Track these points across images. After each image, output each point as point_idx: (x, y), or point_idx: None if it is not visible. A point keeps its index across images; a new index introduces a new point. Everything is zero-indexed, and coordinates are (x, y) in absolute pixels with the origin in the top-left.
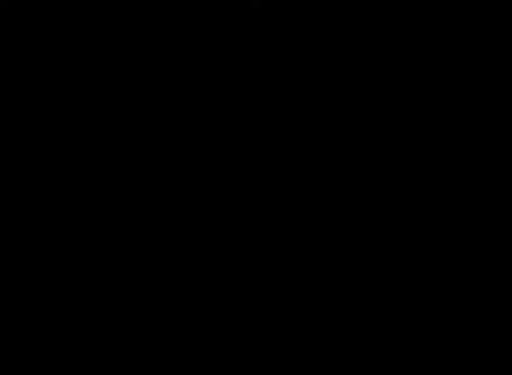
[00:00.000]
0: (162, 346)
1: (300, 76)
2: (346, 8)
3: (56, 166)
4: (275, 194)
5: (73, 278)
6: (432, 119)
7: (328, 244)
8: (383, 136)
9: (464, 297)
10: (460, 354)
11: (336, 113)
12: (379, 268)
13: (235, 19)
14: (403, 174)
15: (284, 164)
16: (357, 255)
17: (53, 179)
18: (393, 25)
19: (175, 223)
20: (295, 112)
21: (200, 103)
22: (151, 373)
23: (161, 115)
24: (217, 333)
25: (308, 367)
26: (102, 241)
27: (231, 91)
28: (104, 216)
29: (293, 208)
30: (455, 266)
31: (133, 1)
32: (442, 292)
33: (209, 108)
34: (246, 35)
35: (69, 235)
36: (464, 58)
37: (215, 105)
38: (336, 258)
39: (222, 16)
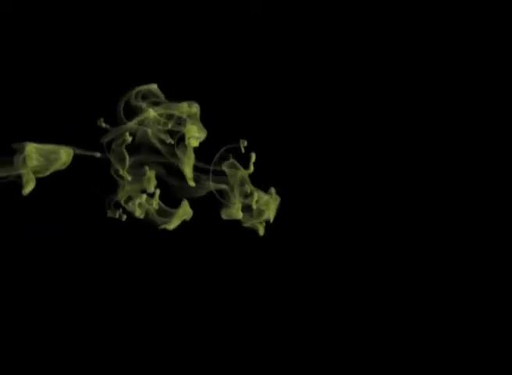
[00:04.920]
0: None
1: (299, 79)
2: (346, 11)
3: None
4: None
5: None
6: (432, 119)
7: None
8: (383, 138)
9: (464, 297)
10: (460, 354)
11: (335, 116)
12: (379, 268)
13: (235, 22)
14: (402, 174)
15: (282, 168)
16: (356, 255)
17: None
18: (394, 27)
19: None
20: (294, 113)
21: (200, 106)
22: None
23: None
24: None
25: (308, 367)
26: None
27: (231, 93)
28: None
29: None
30: (455, 265)
31: (132, 3)
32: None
33: (209, 110)
34: (246, 38)
35: None
36: (464, 59)
37: (214, 108)
38: (336, 258)
39: (222, 19)
